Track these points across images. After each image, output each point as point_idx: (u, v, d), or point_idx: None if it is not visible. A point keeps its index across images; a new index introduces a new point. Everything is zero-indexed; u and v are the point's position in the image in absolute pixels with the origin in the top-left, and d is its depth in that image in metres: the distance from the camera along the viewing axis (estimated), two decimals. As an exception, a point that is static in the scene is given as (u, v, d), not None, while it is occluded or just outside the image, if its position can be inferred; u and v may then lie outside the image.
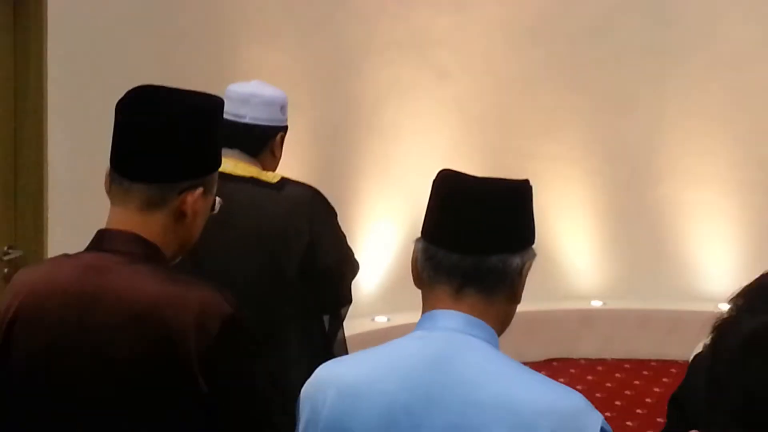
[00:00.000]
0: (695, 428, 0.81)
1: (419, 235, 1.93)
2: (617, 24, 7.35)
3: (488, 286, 1.86)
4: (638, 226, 7.52)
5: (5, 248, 4.33)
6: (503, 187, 1.94)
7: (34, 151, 4.39)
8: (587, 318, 7.39)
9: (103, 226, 2.11)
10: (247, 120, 3.13)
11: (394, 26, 6.95)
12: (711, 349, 0.75)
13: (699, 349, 2.40)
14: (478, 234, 1.87)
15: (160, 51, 5.05)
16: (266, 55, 6.05)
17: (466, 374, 1.79)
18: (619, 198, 7.50)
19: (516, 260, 1.88)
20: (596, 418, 1.78)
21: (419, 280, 1.92)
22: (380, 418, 1.80)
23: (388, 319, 6.58)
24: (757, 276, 0.79)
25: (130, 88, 2.13)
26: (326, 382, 1.89)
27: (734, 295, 0.76)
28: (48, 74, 4.37)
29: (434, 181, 1.95)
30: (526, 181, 1.96)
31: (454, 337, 1.83)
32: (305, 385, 1.93)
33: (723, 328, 0.75)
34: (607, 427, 1.79)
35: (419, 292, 1.93)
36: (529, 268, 1.91)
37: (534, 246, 1.93)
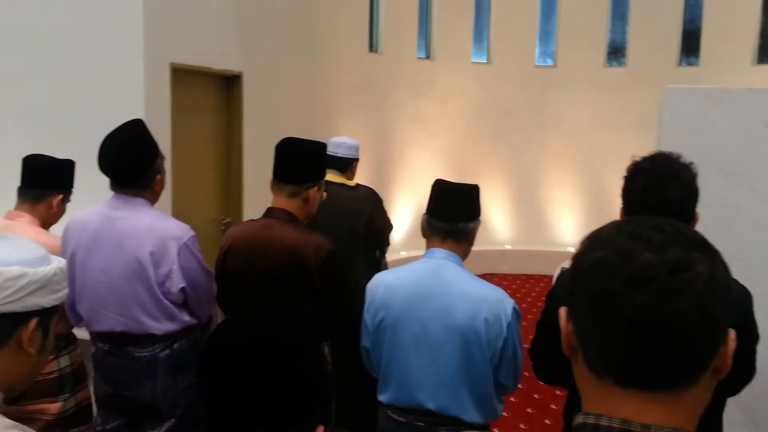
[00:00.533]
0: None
1: (425, 212, 1.90)
2: (516, 112, 7.24)
3: (458, 238, 1.83)
4: (530, 207, 7.41)
5: (223, 216, 4.35)
6: (465, 187, 1.90)
7: (236, 169, 4.38)
8: (503, 253, 7.31)
9: (269, 205, 2.10)
10: (339, 155, 3.11)
11: (410, 110, 6.88)
12: (571, 269, 0.71)
13: (559, 270, 2.36)
14: (452, 211, 1.83)
15: (300, 120, 5.01)
16: (348, 125, 6.02)
17: (447, 279, 1.76)
18: (520, 194, 7.40)
19: (471, 225, 1.84)
20: (511, 302, 1.75)
21: (424, 234, 1.89)
22: (404, 302, 1.78)
23: (408, 253, 6.54)
24: (591, 230, 0.76)
25: (282, 137, 2.12)
26: (378, 283, 1.87)
27: (582, 240, 0.72)
28: (243, 132, 4.37)
29: (432, 185, 1.91)
30: (476, 185, 1.92)
31: (442, 261, 1.80)
32: (368, 285, 1.90)
33: (578, 257, 0.71)
34: (516, 307, 1.76)
35: (424, 240, 1.90)
36: (477, 229, 1.87)
37: (480, 217, 1.90)
